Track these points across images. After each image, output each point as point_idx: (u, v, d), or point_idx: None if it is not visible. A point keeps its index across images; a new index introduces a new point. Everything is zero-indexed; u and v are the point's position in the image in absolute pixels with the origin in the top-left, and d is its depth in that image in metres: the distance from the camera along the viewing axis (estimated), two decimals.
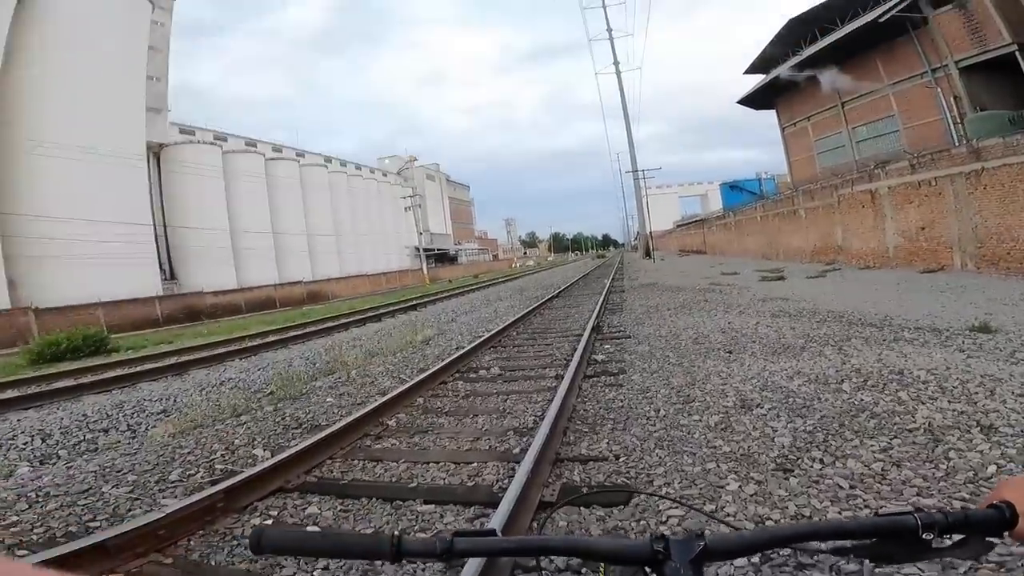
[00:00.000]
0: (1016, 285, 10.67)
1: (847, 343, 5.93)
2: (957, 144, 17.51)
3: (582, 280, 24.03)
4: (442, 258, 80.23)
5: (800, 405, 4.01)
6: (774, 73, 32.18)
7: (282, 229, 49.84)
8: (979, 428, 3.27)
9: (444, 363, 6.79)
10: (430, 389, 5.91)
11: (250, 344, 11.94)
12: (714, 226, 45.81)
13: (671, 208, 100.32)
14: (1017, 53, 19.49)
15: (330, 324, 14.94)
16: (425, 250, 69.14)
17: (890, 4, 22.82)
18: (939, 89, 23.13)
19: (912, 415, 3.60)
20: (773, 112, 36.64)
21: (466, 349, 7.78)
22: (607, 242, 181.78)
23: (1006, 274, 12.55)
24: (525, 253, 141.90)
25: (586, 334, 7.77)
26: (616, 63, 41.52)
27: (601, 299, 13.25)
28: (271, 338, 12.78)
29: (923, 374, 4.38)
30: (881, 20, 22.97)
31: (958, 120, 21.84)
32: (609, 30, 41.62)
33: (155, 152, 39.38)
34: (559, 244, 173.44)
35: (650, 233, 44.98)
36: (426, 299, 21.19)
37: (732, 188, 50.28)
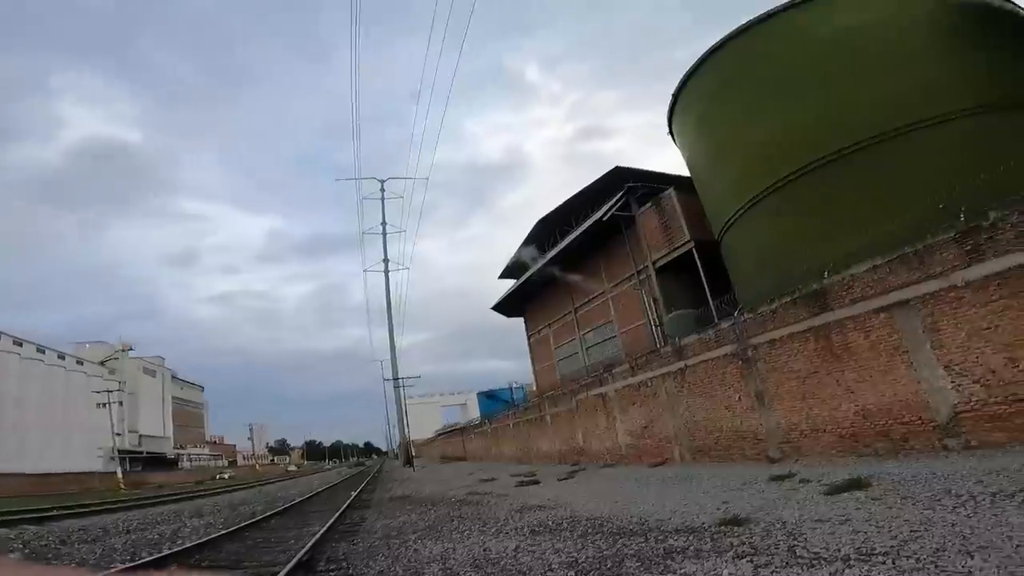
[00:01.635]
0: (731, 472, 11.55)
1: (622, 568, 4.68)
2: (660, 345, 18.53)
3: (327, 492, 20.38)
4: (157, 462, 65.66)
5: None
6: (523, 278, 33.02)
7: None
8: None
9: None
10: None
11: None
12: (472, 434, 46.21)
13: (434, 417, 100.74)
14: (694, 250, 20.23)
15: None
16: (131, 452, 57.41)
17: (611, 203, 23.51)
18: (643, 291, 24.00)
19: None
20: (523, 320, 38.23)
21: None
22: (369, 449, 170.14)
23: (717, 463, 13.82)
24: (273, 460, 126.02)
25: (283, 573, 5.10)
26: (386, 260, 41.40)
27: (335, 518, 10.43)
28: None
29: None
30: (604, 219, 23.54)
31: (658, 322, 22.97)
32: (384, 223, 41.75)
33: None
34: (315, 451, 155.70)
35: (410, 441, 43.01)
36: (92, 509, 16.48)
37: (488, 397, 52.83)
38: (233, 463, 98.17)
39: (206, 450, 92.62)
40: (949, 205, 9.28)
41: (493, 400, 50.58)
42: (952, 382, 8.90)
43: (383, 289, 40.42)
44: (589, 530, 6.95)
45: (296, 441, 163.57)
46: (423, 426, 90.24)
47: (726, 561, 4.36)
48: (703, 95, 19.15)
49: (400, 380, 40.46)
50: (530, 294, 34.83)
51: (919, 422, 9.44)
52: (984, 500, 5.28)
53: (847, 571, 3.60)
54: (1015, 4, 16.09)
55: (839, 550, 4.22)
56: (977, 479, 6.31)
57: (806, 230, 14.31)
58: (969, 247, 8.63)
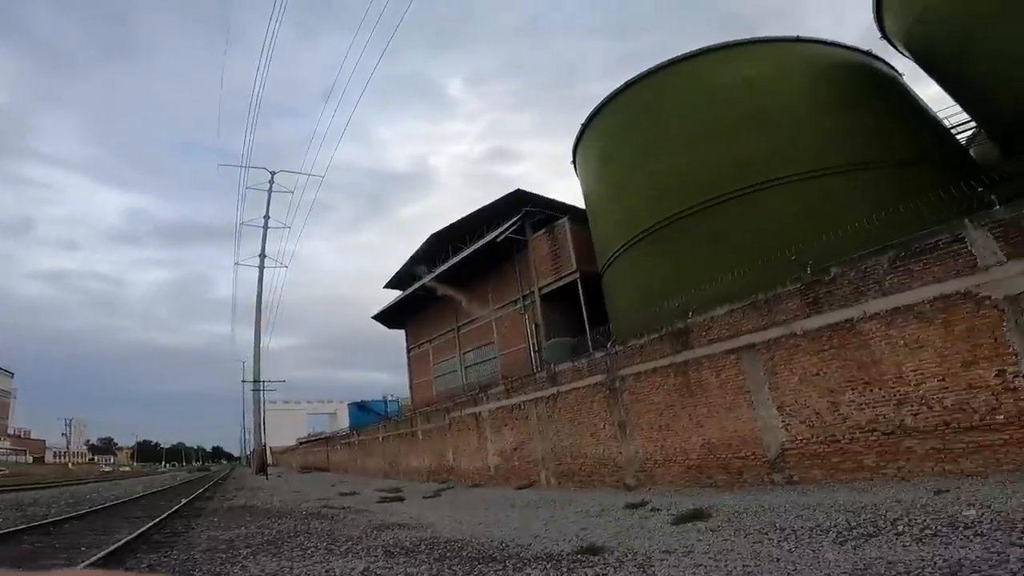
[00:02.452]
0: (592, 497, 11.88)
1: None
2: (537, 370, 18.68)
3: (151, 496, 18.15)
4: None
5: None
6: (409, 290, 32.20)
7: None
8: None
9: None
10: None
11: None
12: (339, 444, 44.04)
13: (299, 425, 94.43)
14: (579, 280, 20.86)
15: None
16: None
17: (506, 225, 23.69)
18: (527, 316, 24.25)
19: None
20: (403, 333, 37.21)
21: None
22: (219, 454, 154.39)
23: (580, 488, 14.19)
24: (92, 459, 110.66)
25: None
26: (263, 255, 40.07)
27: (150, 525, 9.11)
28: None
29: None
30: (498, 240, 23.51)
31: (537, 348, 23.19)
32: (267, 216, 40.48)
33: None
34: (150, 452, 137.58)
35: (266, 447, 39.68)
36: None
37: (360, 408, 50.77)
38: (40, 460, 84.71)
39: (7, 443, 79.18)
40: (800, 257, 10.18)
41: (365, 412, 48.53)
42: (783, 421, 9.90)
43: (256, 286, 38.35)
44: (448, 553, 6.65)
45: (127, 441, 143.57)
46: (286, 433, 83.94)
47: None
48: (605, 132, 19.92)
49: (261, 383, 37.71)
50: (415, 307, 34.02)
51: (753, 457, 10.39)
52: (804, 535, 5.80)
53: None
54: (893, 68, 18.17)
55: None
56: (797, 513, 6.96)
57: (680, 271, 15.05)
58: (810, 299, 9.64)
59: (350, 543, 7.76)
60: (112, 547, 6.61)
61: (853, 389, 8.94)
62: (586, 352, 15.58)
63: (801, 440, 9.65)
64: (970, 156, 17.08)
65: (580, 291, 20.90)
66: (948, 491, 6.79)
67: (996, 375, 7.45)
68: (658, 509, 8.93)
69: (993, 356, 7.49)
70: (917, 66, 15.68)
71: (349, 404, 55.45)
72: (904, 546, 4.81)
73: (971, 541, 4.57)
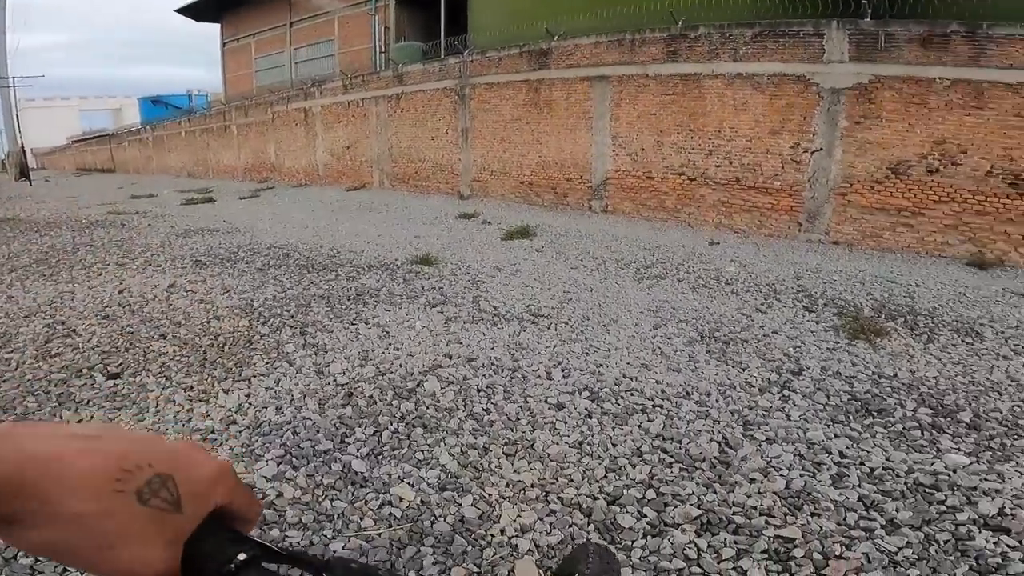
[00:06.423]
0: (425, 203, 12.09)
1: (307, 314, 4.24)
2: (381, 69, 18.11)
3: None
4: None
5: None
6: None
7: None
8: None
9: None
10: None
11: None
12: (126, 141, 37.94)
13: (70, 123, 76.34)
14: None
15: None
16: None
17: None
18: (376, 18, 23.11)
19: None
20: (219, 27, 30.87)
21: None
22: None
23: (414, 192, 14.59)
24: None
25: None
26: None
27: None
28: None
29: (439, 388, 3.13)
30: None
31: (383, 49, 22.49)
32: None
33: None
34: None
35: (23, 148, 32.27)
36: None
37: (155, 103, 42.65)
38: None
39: None
40: (676, 13, 10.09)
41: (161, 107, 40.80)
42: (613, 151, 10.72)
43: None
44: (271, 262, 6.18)
45: None
46: (54, 133, 69.29)
47: (418, 309, 4.36)
48: None
49: (11, 79, 30.35)
50: (234, 2, 27.27)
51: (579, 181, 11.36)
52: (611, 267, 6.42)
53: (522, 333, 3.91)
54: None
55: (514, 307, 4.59)
56: (607, 244, 7.73)
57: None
58: (672, 49, 9.90)
59: (148, 255, 6.65)
60: None
61: (678, 133, 9.90)
62: (439, 58, 14.87)
63: (624, 171, 10.67)
64: None
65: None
66: (719, 244, 8.08)
67: (792, 147, 8.86)
68: (489, 222, 9.36)
69: (796, 130, 8.83)
70: None
71: (141, 99, 46.62)
72: (683, 293, 5.32)
73: (729, 299, 5.15)
